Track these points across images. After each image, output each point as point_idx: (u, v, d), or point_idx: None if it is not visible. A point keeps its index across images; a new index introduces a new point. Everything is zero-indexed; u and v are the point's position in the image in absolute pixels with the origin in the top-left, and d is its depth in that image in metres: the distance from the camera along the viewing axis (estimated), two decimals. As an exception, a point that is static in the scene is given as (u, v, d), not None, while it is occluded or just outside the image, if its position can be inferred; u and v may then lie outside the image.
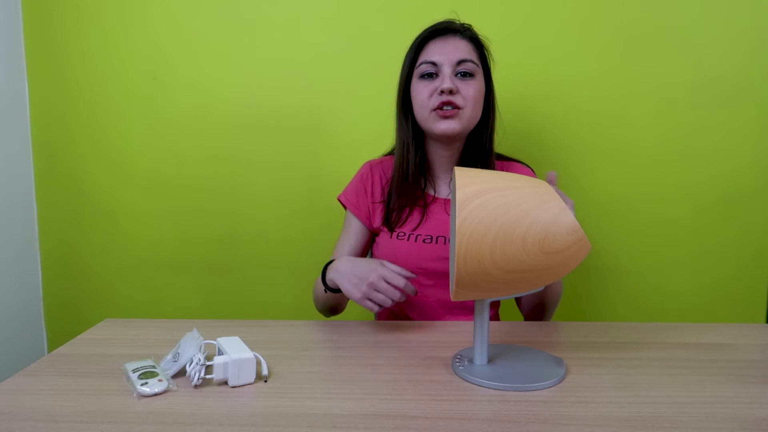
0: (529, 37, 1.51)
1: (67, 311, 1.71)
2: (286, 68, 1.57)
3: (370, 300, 0.96)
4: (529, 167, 1.22)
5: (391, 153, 1.24)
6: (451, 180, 0.97)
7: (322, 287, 1.09)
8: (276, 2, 1.55)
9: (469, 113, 1.09)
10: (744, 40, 1.47)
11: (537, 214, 0.75)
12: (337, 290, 1.03)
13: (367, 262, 0.99)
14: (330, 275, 1.04)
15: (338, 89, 1.57)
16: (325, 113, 1.58)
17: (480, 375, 0.80)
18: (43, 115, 1.64)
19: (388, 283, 0.95)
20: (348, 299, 1.11)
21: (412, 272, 1.00)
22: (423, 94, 1.09)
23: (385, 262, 0.98)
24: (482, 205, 0.74)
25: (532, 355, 0.88)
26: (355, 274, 0.98)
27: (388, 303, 0.95)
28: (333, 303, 1.16)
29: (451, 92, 1.06)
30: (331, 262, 1.07)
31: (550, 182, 0.86)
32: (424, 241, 1.13)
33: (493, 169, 1.16)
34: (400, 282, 0.95)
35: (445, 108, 1.07)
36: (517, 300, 1.24)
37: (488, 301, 0.82)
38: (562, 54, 1.51)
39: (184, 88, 1.59)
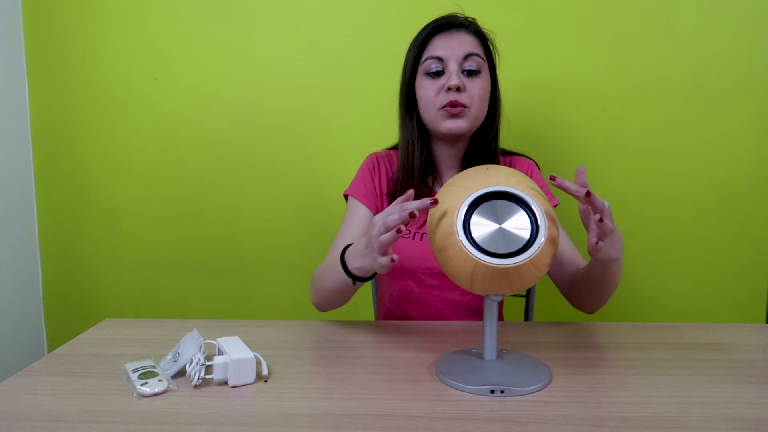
0: (530, 35, 1.51)
1: (67, 311, 1.71)
2: (285, 68, 1.57)
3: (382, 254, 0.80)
4: (533, 160, 1.21)
5: (394, 147, 1.22)
6: None
7: (335, 279, 0.96)
8: (276, 2, 1.55)
9: (476, 112, 1.07)
10: (744, 40, 1.47)
11: None
12: (368, 278, 0.90)
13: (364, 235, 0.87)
14: (353, 264, 0.89)
15: (338, 89, 1.57)
16: (325, 113, 1.58)
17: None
18: (43, 115, 1.64)
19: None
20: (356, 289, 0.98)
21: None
22: (429, 92, 1.07)
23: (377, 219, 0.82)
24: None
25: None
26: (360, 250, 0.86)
27: (394, 235, 0.77)
28: (344, 293, 1.00)
29: (458, 89, 1.04)
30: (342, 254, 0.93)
31: (579, 176, 0.79)
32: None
33: None
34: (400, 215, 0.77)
35: (452, 106, 1.04)
36: (563, 283, 1.09)
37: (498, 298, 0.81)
38: (562, 53, 1.51)
39: (184, 88, 1.59)
